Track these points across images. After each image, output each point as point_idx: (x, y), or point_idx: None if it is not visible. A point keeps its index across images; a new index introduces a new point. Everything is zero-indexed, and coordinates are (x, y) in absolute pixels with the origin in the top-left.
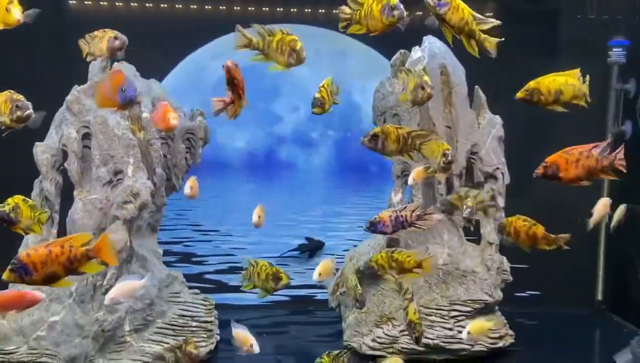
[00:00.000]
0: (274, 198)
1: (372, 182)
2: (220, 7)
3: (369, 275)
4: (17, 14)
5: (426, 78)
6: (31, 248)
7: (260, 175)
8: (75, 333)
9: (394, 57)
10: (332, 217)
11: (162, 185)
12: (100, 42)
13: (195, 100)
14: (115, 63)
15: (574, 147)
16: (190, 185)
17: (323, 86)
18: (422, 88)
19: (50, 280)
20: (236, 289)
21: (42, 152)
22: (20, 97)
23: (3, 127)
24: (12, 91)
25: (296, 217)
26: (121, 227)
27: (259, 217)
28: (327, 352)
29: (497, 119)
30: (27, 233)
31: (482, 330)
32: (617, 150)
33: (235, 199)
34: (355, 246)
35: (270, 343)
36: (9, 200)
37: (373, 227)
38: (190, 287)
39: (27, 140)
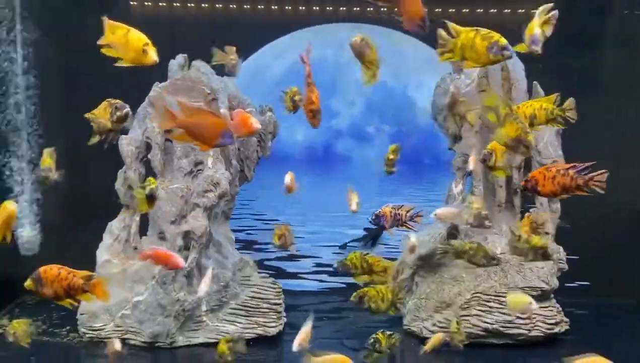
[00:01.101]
0: (331, 190)
1: (425, 175)
2: (286, 7)
3: (429, 263)
4: (153, 55)
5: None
6: (49, 266)
7: (318, 168)
8: (158, 312)
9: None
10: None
11: (236, 176)
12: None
13: (259, 97)
14: (194, 61)
15: (555, 165)
16: (290, 178)
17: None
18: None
19: (56, 297)
20: (295, 276)
21: (127, 144)
22: (118, 101)
23: (104, 137)
24: (109, 99)
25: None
26: (201, 214)
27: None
28: (380, 331)
29: None
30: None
31: (521, 302)
32: (599, 172)
33: (296, 191)
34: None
35: (330, 328)
36: (151, 179)
37: (377, 220)
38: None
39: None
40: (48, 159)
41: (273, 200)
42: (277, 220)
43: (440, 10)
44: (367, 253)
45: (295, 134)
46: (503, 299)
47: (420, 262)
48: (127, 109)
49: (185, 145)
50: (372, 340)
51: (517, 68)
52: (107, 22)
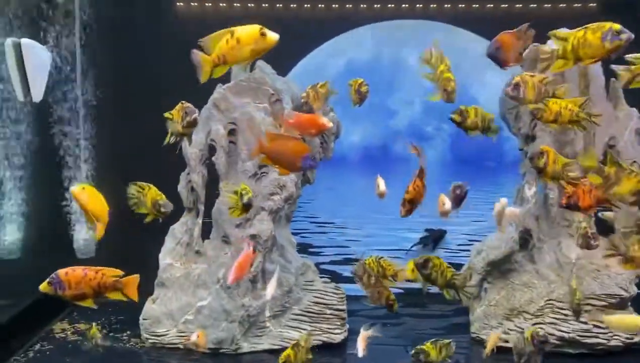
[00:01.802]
0: (388, 192)
1: (488, 176)
2: (334, 6)
3: (499, 268)
4: (273, 35)
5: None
6: (69, 268)
7: (375, 169)
8: (222, 317)
9: (526, 51)
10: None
11: (299, 178)
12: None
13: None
14: (258, 61)
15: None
16: (382, 184)
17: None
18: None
19: (78, 298)
20: (351, 280)
21: (191, 147)
22: (188, 104)
23: (177, 138)
24: (183, 102)
25: None
26: (267, 218)
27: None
28: (432, 340)
29: (635, 112)
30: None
31: (632, 324)
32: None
33: (350, 192)
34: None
35: (389, 334)
36: (246, 188)
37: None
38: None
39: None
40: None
41: (328, 202)
42: (332, 223)
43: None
44: (382, 257)
45: (351, 134)
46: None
47: (490, 267)
48: (196, 114)
49: (249, 148)
50: (416, 351)
51: (594, 65)
52: (208, 40)
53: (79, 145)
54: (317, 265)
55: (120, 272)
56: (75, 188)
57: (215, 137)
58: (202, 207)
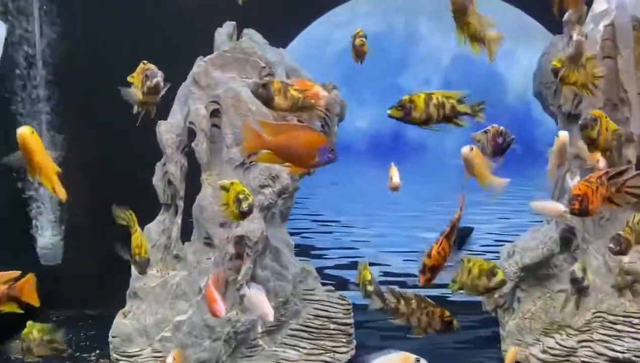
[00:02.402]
0: (402, 185)
1: (517, 167)
2: None
3: (535, 274)
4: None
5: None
6: None
7: (385, 159)
8: (205, 334)
9: (568, 12)
10: (468, 207)
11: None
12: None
13: (318, 72)
14: (245, 29)
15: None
16: (393, 174)
17: None
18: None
19: None
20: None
21: (167, 131)
22: (150, 65)
23: (140, 109)
24: (145, 62)
25: (426, 206)
26: (257, 215)
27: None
28: None
29: None
30: None
31: None
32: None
33: (358, 186)
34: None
35: (403, 348)
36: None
37: None
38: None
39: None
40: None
41: (332, 197)
42: (337, 221)
43: None
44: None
45: (357, 119)
46: (635, 321)
47: (524, 273)
48: (159, 78)
49: (235, 131)
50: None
51: None
52: None
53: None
54: (320, 269)
55: (16, 274)
56: (23, 130)
57: (194, 118)
58: (181, 204)
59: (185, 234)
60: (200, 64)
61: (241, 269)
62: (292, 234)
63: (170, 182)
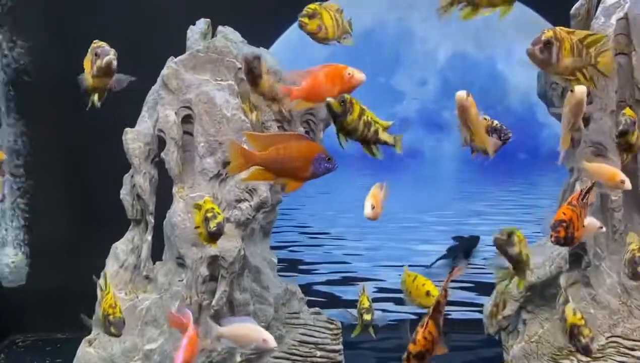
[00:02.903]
0: (396, 194)
1: (520, 173)
2: None
3: (542, 294)
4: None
5: None
6: None
7: (379, 167)
8: None
9: (576, 5)
10: (468, 217)
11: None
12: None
13: None
14: (220, 27)
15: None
16: (372, 202)
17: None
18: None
19: None
20: (352, 304)
21: (134, 139)
22: (101, 43)
23: (89, 94)
24: (95, 41)
25: (423, 217)
26: (233, 232)
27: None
28: None
29: None
30: None
31: None
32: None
33: (349, 196)
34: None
35: None
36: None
37: None
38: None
39: (117, 126)
40: None
41: (322, 208)
42: (327, 233)
43: None
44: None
45: None
46: None
47: (530, 292)
48: (110, 57)
49: (209, 139)
50: None
51: None
52: None
53: None
54: (309, 285)
55: None
56: None
57: (164, 126)
58: (151, 219)
59: (158, 253)
60: (170, 66)
61: (216, 293)
62: (278, 248)
63: (139, 196)
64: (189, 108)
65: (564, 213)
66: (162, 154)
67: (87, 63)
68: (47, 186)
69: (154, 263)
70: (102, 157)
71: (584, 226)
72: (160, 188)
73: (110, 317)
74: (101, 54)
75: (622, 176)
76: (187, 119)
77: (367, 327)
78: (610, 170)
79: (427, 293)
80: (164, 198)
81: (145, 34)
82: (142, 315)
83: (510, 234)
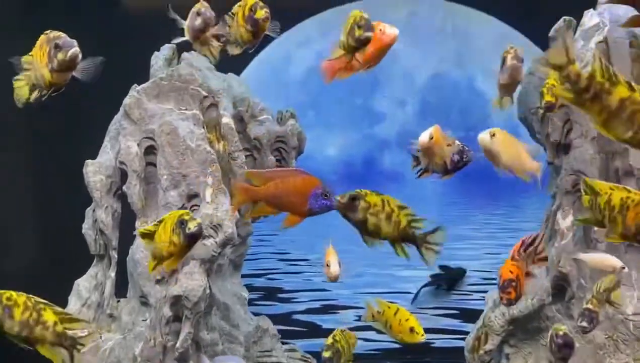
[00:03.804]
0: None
1: (504, 196)
2: None
3: (525, 327)
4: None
5: None
6: None
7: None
8: None
9: (555, 27)
10: (451, 241)
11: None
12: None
13: (279, 99)
14: (185, 53)
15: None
16: (330, 261)
17: None
18: None
19: None
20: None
21: (95, 172)
22: (60, 34)
23: (40, 93)
24: (49, 31)
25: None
26: (197, 270)
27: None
28: None
29: None
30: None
31: None
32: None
33: (328, 221)
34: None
35: None
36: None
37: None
38: (279, 332)
39: (78, 156)
40: None
41: (300, 234)
42: (306, 259)
43: None
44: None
45: (326, 146)
46: None
47: (512, 326)
48: (75, 49)
49: (172, 172)
50: None
51: None
52: None
53: None
54: (289, 314)
55: None
56: None
57: (125, 158)
58: (115, 255)
59: (123, 288)
60: (132, 95)
61: (180, 334)
62: (256, 276)
63: (101, 231)
64: (152, 139)
65: (511, 272)
66: (124, 187)
67: (40, 55)
68: (5, 220)
69: (118, 301)
70: (64, 189)
71: (527, 275)
72: (126, 221)
73: None
74: (63, 46)
75: (620, 263)
76: (150, 150)
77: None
78: (608, 259)
79: (411, 330)
80: (129, 232)
81: (109, 57)
82: (106, 356)
83: (354, 198)
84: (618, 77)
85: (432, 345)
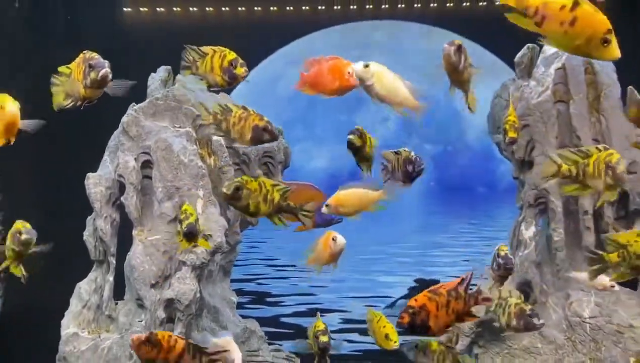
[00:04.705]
0: (359, 226)
1: (480, 206)
2: (289, 8)
3: (491, 329)
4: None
5: None
6: None
7: None
8: None
9: (519, 54)
10: (430, 248)
11: (236, 221)
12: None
13: (269, 115)
14: (179, 75)
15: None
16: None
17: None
18: None
19: None
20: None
21: (95, 184)
22: (94, 55)
23: (75, 104)
24: (86, 51)
25: (385, 249)
26: (189, 275)
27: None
28: None
29: None
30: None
31: None
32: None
33: (315, 229)
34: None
35: None
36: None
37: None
38: (267, 333)
39: (79, 168)
40: None
41: (287, 241)
42: (292, 266)
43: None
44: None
45: (313, 159)
46: None
47: (480, 328)
48: (106, 69)
49: (167, 184)
50: None
51: (606, 69)
52: None
53: None
54: (276, 317)
55: None
56: None
57: (123, 171)
58: (113, 261)
59: (121, 291)
60: (130, 113)
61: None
62: (246, 281)
63: (101, 239)
64: (148, 154)
65: (416, 300)
66: (122, 199)
67: (77, 72)
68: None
69: (116, 303)
70: (68, 199)
71: (452, 317)
72: (124, 228)
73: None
74: (96, 66)
75: (612, 283)
76: (146, 164)
77: (325, 351)
78: (600, 279)
79: (386, 337)
80: (126, 239)
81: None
82: (104, 355)
83: (237, 188)
84: None
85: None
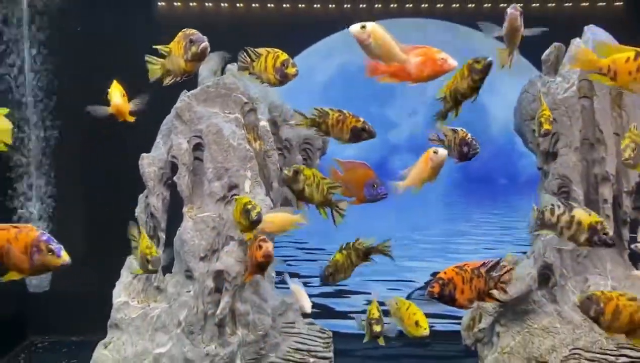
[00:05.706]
0: (386, 214)
1: (501, 197)
2: (330, 5)
3: (514, 309)
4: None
5: None
6: None
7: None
8: None
9: (546, 52)
10: (453, 236)
11: (278, 201)
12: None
13: (306, 104)
14: (229, 65)
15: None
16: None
17: None
18: None
19: None
20: (344, 315)
21: (149, 164)
22: (194, 31)
23: (176, 78)
24: (186, 29)
25: (410, 235)
26: (236, 249)
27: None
28: None
29: None
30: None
31: None
32: (505, 271)
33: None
34: None
35: None
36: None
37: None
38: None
39: (132, 150)
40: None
41: (317, 225)
42: (322, 249)
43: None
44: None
45: (345, 148)
46: (612, 358)
47: (502, 308)
48: (205, 43)
49: (217, 166)
50: None
51: None
52: None
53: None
54: None
55: None
56: None
57: (177, 153)
58: (163, 235)
59: (168, 265)
60: (183, 99)
61: (220, 303)
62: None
63: (152, 214)
64: (199, 137)
65: (445, 273)
66: (175, 178)
67: (176, 49)
68: (70, 202)
69: (164, 275)
70: (120, 179)
71: (474, 293)
72: (172, 207)
73: (148, 257)
74: (196, 41)
75: None
76: (197, 147)
77: (377, 337)
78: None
79: (416, 323)
80: (174, 217)
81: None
82: (153, 322)
83: (297, 172)
84: None
85: (432, 327)
